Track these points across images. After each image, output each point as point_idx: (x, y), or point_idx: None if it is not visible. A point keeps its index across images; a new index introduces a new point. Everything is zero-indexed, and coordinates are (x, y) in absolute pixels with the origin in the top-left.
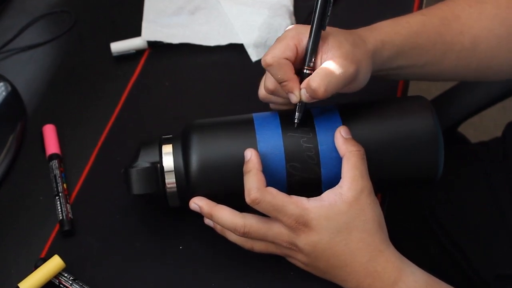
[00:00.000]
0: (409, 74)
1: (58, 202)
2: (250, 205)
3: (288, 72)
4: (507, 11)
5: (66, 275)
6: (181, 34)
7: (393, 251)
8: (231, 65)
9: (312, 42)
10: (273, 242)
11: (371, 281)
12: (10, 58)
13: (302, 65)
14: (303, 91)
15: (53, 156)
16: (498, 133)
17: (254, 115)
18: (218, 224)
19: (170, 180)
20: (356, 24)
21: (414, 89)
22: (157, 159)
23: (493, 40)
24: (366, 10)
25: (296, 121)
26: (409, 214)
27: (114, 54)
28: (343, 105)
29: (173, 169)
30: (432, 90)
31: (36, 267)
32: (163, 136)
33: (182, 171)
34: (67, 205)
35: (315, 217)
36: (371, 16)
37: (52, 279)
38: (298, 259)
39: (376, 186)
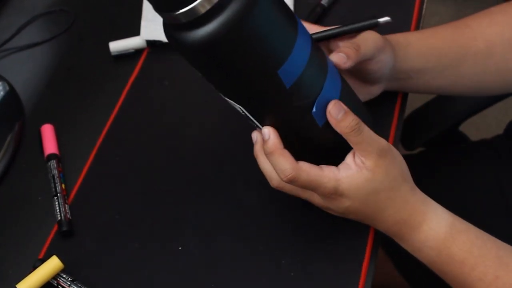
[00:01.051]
0: (430, 81)
1: (57, 203)
2: (286, 182)
3: None
4: None
5: (64, 276)
6: None
7: (419, 198)
8: None
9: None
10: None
11: (398, 228)
12: (8, 57)
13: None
14: (340, 54)
15: (51, 156)
16: (500, 132)
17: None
18: (275, 166)
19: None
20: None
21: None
22: None
23: (507, 44)
24: (366, 8)
25: None
26: None
27: (113, 54)
28: None
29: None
30: None
31: (34, 268)
32: None
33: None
34: (66, 205)
35: (346, 187)
36: (371, 16)
37: (51, 280)
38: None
39: None
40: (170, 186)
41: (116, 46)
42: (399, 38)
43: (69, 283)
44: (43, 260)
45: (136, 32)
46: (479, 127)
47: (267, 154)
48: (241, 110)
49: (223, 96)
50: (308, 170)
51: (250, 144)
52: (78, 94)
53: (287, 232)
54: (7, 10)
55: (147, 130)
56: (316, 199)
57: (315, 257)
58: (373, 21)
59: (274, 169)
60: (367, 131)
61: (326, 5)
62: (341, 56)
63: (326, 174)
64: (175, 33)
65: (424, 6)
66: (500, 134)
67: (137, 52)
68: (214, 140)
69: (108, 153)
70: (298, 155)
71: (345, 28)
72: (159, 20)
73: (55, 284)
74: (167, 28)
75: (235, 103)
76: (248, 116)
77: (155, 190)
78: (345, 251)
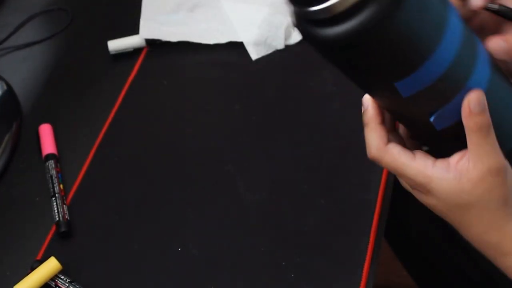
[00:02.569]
0: None
1: (55, 203)
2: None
3: None
4: None
5: (62, 277)
6: (179, 32)
7: None
8: (230, 63)
9: None
10: None
11: (484, 248)
12: (5, 57)
13: None
14: (500, 40)
15: (49, 156)
16: None
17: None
18: (366, 140)
19: None
20: None
21: None
22: None
23: None
24: None
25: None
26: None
27: (112, 53)
28: None
29: None
30: None
31: (32, 269)
32: None
33: None
34: (64, 206)
35: (435, 187)
36: None
37: (49, 281)
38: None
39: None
40: (169, 186)
41: (115, 45)
42: None
43: (67, 285)
44: (41, 261)
45: (135, 31)
46: None
47: (363, 124)
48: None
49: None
50: (396, 156)
51: (250, 144)
52: (76, 93)
53: (288, 233)
54: (5, 8)
55: (146, 130)
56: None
57: (316, 258)
58: None
59: (365, 142)
60: (493, 139)
61: None
62: (498, 46)
63: (415, 166)
64: (312, 28)
65: None
66: None
67: (136, 51)
68: (214, 139)
69: (106, 153)
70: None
71: None
72: (158, 18)
73: (53, 286)
74: (301, 22)
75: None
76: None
77: (154, 190)
78: (346, 252)
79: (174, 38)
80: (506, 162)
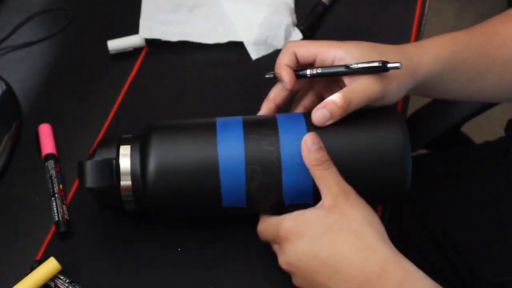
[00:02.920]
0: (454, 91)
1: (54, 203)
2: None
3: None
4: None
5: (62, 277)
6: (179, 31)
7: (390, 249)
8: (230, 63)
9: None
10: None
11: (371, 285)
12: (5, 56)
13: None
14: (324, 110)
15: (49, 156)
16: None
17: (218, 118)
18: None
19: (126, 183)
20: (357, 22)
21: None
22: (114, 155)
23: None
24: (368, 6)
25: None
26: (409, 217)
27: (111, 52)
28: (308, 115)
29: (129, 171)
30: None
31: (32, 269)
32: (123, 136)
33: (139, 174)
34: (63, 206)
35: (289, 225)
36: (373, 13)
37: (48, 281)
38: (299, 283)
39: None
40: None
41: (115, 44)
42: (422, 58)
43: (66, 285)
44: (40, 262)
45: (134, 30)
46: (483, 128)
47: None
48: None
49: None
50: (266, 217)
51: None
52: (76, 93)
53: None
54: (4, 8)
55: None
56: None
57: None
58: (381, 65)
59: None
60: (334, 171)
61: (327, 3)
62: (323, 115)
63: (264, 220)
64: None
65: (427, 4)
66: (503, 136)
67: (136, 51)
68: None
69: None
70: None
71: (346, 70)
72: (158, 18)
73: (53, 286)
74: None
75: None
76: None
77: None
78: None
79: (174, 38)
80: (350, 187)
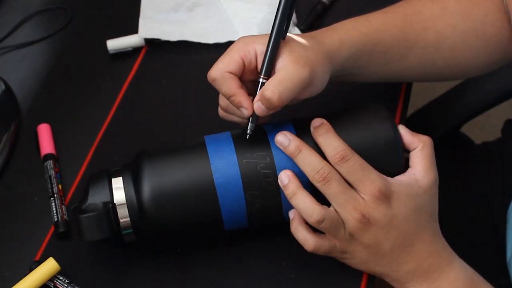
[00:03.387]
0: (373, 74)
1: (53, 204)
2: (339, 162)
3: (233, 86)
4: (469, 5)
5: (61, 278)
6: (179, 31)
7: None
8: None
9: (269, 52)
10: (342, 226)
11: (431, 260)
12: (4, 56)
13: (257, 75)
14: (259, 103)
15: (48, 156)
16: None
17: (206, 139)
18: (298, 208)
19: (124, 217)
20: None
21: (418, 89)
22: (108, 197)
23: (458, 36)
24: (368, 5)
25: (248, 132)
26: None
27: (111, 52)
28: (297, 121)
29: (125, 203)
30: (437, 89)
31: (31, 270)
32: (113, 169)
33: (135, 205)
34: (62, 206)
35: (395, 190)
36: (371, 11)
37: (47, 282)
38: (363, 242)
39: None
40: None
41: (114, 44)
42: (334, 42)
43: (66, 285)
44: (39, 262)
45: (134, 30)
46: (483, 128)
47: (290, 197)
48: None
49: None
50: (359, 158)
51: None
52: (75, 93)
53: (288, 234)
54: (3, 7)
55: (145, 129)
56: (350, 218)
57: (316, 259)
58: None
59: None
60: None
61: (327, 2)
62: (261, 109)
63: (374, 171)
64: None
65: None
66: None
67: (135, 51)
68: None
69: (106, 153)
70: None
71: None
72: (158, 17)
73: (52, 287)
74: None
75: None
76: None
77: None
78: None
79: (173, 37)
80: None
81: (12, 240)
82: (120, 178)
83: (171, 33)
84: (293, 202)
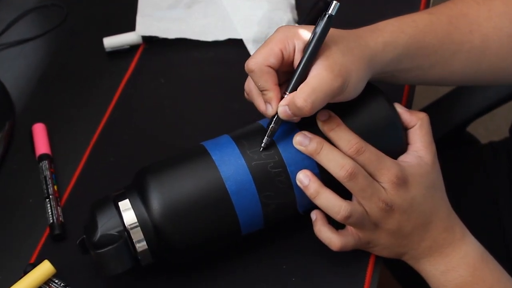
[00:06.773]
0: (415, 77)
1: (49, 205)
2: (353, 155)
3: (270, 81)
4: None
5: (56, 281)
6: (177, 28)
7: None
8: (229, 61)
9: (299, 73)
10: (366, 213)
11: (445, 235)
12: None
13: (291, 68)
14: (286, 108)
15: (43, 157)
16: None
17: (207, 146)
18: (323, 207)
19: (140, 241)
20: (360, 19)
21: (422, 89)
22: (120, 225)
23: (505, 40)
24: (371, 3)
25: (263, 145)
26: None
27: (107, 50)
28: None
29: (138, 226)
30: (440, 89)
31: (25, 272)
32: (114, 194)
33: (150, 227)
34: (58, 208)
35: (410, 173)
36: (376, 11)
37: (42, 285)
38: (387, 229)
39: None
40: None
41: (111, 42)
42: (378, 45)
43: None
44: (34, 265)
45: (131, 27)
46: (489, 127)
47: (313, 197)
48: None
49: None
50: (373, 148)
51: None
52: (71, 92)
53: (289, 237)
54: None
55: (143, 129)
56: (374, 207)
57: (317, 262)
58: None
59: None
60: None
61: None
62: (287, 114)
63: (388, 157)
64: None
65: (431, 0)
66: (507, 136)
67: (132, 48)
68: (211, 138)
69: (102, 153)
70: None
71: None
72: (155, 15)
73: None
74: None
75: None
76: None
77: None
78: (348, 255)
79: (171, 35)
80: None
81: (6, 242)
82: (127, 201)
83: (169, 30)
84: (318, 201)
